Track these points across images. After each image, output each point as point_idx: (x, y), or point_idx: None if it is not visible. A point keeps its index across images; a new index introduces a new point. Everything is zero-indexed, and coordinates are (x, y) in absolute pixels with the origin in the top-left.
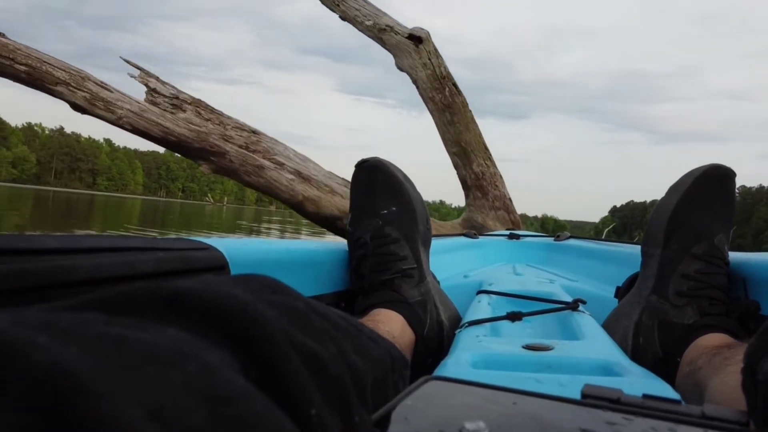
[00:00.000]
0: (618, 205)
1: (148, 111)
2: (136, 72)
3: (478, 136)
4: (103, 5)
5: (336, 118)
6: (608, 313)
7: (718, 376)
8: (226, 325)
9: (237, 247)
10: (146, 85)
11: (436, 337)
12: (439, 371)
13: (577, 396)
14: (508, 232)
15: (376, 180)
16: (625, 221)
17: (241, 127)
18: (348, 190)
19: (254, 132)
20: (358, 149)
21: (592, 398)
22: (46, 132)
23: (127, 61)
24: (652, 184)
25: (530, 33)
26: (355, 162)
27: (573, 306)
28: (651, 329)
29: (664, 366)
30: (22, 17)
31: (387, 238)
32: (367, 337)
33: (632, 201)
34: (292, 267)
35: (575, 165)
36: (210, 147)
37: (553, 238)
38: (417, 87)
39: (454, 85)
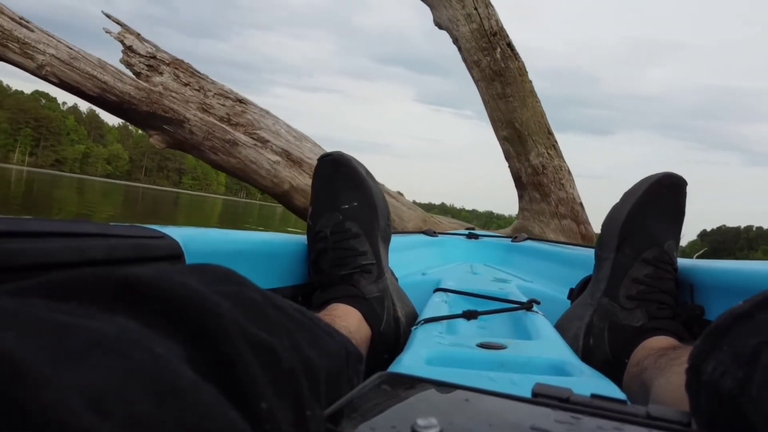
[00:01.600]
0: (708, 229)
1: (80, 60)
2: (116, 29)
3: (539, 115)
4: (197, 14)
5: (414, 128)
6: (561, 313)
7: (663, 376)
8: (177, 316)
9: (193, 236)
10: (122, 42)
11: (392, 334)
12: (394, 367)
13: (529, 395)
14: (467, 232)
15: (338, 174)
16: (716, 246)
17: (225, 94)
18: None
19: (240, 101)
20: (434, 159)
21: (542, 397)
22: (139, 132)
23: (108, 16)
24: (746, 208)
25: (615, 45)
26: (426, 171)
27: (527, 306)
28: (601, 331)
29: (612, 367)
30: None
31: (347, 233)
32: (322, 331)
33: (724, 225)
34: (250, 258)
35: None
36: (163, 112)
37: (510, 239)
38: (459, 49)
39: (509, 45)
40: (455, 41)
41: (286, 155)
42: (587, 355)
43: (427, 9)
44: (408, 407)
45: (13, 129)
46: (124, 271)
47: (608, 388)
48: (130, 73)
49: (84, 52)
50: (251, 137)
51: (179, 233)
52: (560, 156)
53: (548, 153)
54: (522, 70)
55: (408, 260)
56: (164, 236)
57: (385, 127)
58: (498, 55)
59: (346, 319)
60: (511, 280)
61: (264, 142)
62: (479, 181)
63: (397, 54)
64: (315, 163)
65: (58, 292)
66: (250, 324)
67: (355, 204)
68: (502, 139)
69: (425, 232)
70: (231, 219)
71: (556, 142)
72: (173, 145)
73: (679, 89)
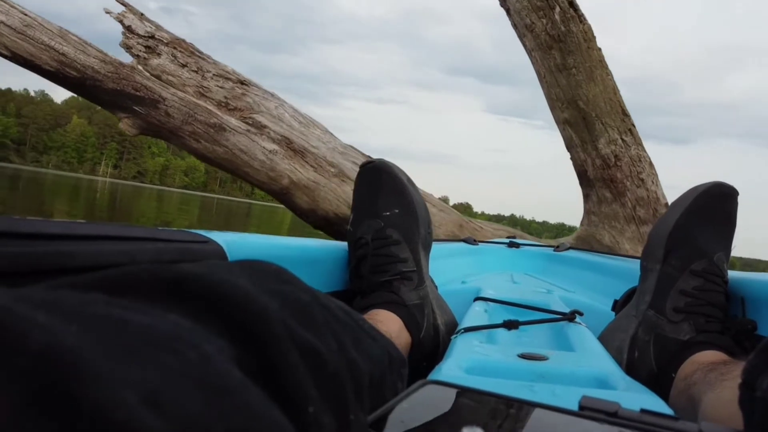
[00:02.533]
0: None
1: (36, 28)
2: (119, 9)
3: (611, 91)
4: (270, 30)
5: (482, 139)
6: (604, 325)
7: (713, 391)
8: (227, 315)
9: (236, 241)
10: (122, 23)
11: (431, 342)
12: (433, 375)
13: (573, 407)
14: (507, 240)
15: (380, 181)
16: None
17: (225, 75)
18: None
19: (242, 82)
20: (503, 169)
21: (589, 410)
22: None
23: None
24: None
25: (695, 52)
26: (495, 182)
27: (570, 317)
28: (647, 344)
29: (658, 381)
30: (201, 43)
31: (388, 239)
32: (366, 334)
33: None
34: (291, 263)
35: (752, 196)
36: (134, 90)
37: (553, 249)
38: (508, 12)
39: (571, 3)
40: (503, 2)
41: (286, 143)
42: (631, 369)
43: (496, 17)
44: (451, 416)
45: (100, 143)
46: (176, 267)
47: (655, 403)
48: (158, 62)
49: (42, 19)
50: (245, 122)
51: (223, 238)
52: (639, 143)
53: (622, 139)
54: (588, 35)
55: (448, 268)
56: (209, 240)
57: (453, 138)
58: (557, 16)
59: (387, 325)
60: (553, 291)
61: (260, 127)
62: (550, 191)
63: (466, 64)
64: (323, 153)
65: (114, 286)
66: (298, 325)
67: (397, 211)
68: (563, 123)
69: (465, 240)
70: (299, 229)
71: (633, 125)
72: (147, 131)
73: (763, 95)
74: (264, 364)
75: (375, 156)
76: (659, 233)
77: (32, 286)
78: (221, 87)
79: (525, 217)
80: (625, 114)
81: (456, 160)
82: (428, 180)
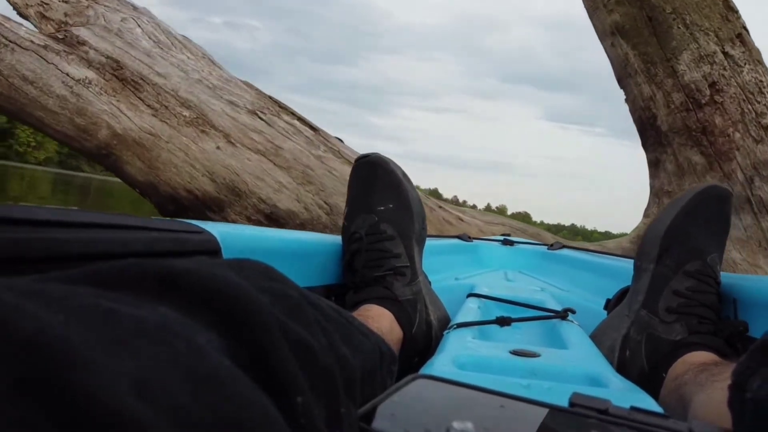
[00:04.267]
0: None
1: None
2: None
3: None
4: (329, 42)
5: (540, 146)
6: (597, 324)
7: (704, 392)
8: (218, 308)
9: (230, 232)
10: None
11: (424, 337)
12: (425, 370)
13: (564, 404)
14: (502, 238)
15: (375, 176)
16: None
17: None
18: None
19: None
20: (562, 177)
21: (580, 407)
22: None
23: None
24: None
25: None
26: (554, 191)
27: (562, 315)
28: (639, 343)
29: (649, 381)
30: (262, 55)
31: (382, 234)
32: (357, 330)
33: None
34: (285, 256)
35: None
36: None
37: (546, 247)
38: None
39: None
40: None
41: (112, 69)
42: (623, 368)
43: (554, 23)
44: (441, 410)
45: None
46: (166, 262)
47: (646, 402)
48: None
49: None
50: (51, 37)
51: (217, 229)
52: (758, 60)
53: (725, 53)
54: None
55: (441, 265)
56: (203, 231)
57: (511, 146)
58: None
59: (379, 321)
60: (546, 288)
61: (73, 44)
62: (613, 200)
63: (523, 72)
64: (172, 86)
65: (103, 280)
66: (289, 320)
67: (391, 206)
68: (611, 33)
69: (459, 237)
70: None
71: (744, 28)
72: None
73: None
74: (254, 356)
75: (340, 133)
76: (654, 233)
77: (19, 277)
78: (65, 1)
79: (586, 226)
80: (729, 8)
81: (513, 169)
82: (486, 189)
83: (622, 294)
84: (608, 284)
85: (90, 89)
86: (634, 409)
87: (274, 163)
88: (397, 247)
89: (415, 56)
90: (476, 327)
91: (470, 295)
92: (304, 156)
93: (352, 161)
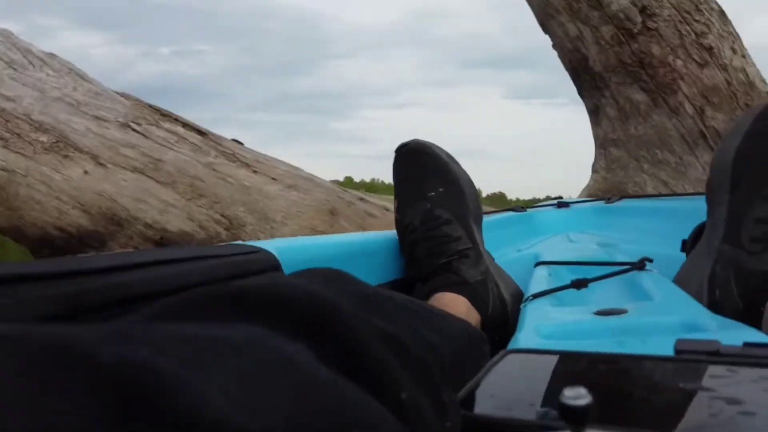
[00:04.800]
0: None
1: None
2: None
3: None
4: (281, 56)
5: (507, 126)
6: (677, 269)
7: None
8: (299, 318)
9: (286, 246)
10: None
11: (500, 316)
12: (511, 347)
13: (669, 354)
14: (555, 201)
15: (419, 162)
16: None
17: None
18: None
19: None
20: (532, 153)
21: (688, 353)
22: None
23: None
24: None
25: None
26: (527, 167)
27: (639, 266)
28: (727, 281)
29: (745, 319)
30: (216, 79)
31: (438, 219)
32: (439, 317)
33: None
34: (345, 260)
35: None
36: None
37: (603, 202)
38: None
39: None
40: None
41: None
42: (714, 309)
43: (501, 6)
44: (541, 382)
45: None
46: (235, 284)
47: (756, 336)
48: None
49: None
50: None
51: (272, 245)
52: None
53: None
54: None
55: (500, 240)
56: (259, 250)
57: (478, 131)
58: None
59: (454, 307)
60: (614, 243)
61: None
62: (585, 166)
63: (479, 55)
64: (23, 109)
65: (175, 314)
66: (371, 317)
67: (441, 190)
68: None
69: (512, 209)
70: None
71: None
72: None
73: None
74: (348, 359)
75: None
76: (723, 160)
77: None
78: None
79: (563, 196)
80: None
81: (484, 152)
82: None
83: (699, 231)
84: (680, 226)
85: None
86: (747, 344)
87: (156, 180)
88: (456, 230)
89: (370, 57)
90: (552, 295)
91: (538, 264)
92: (191, 166)
93: (252, 165)
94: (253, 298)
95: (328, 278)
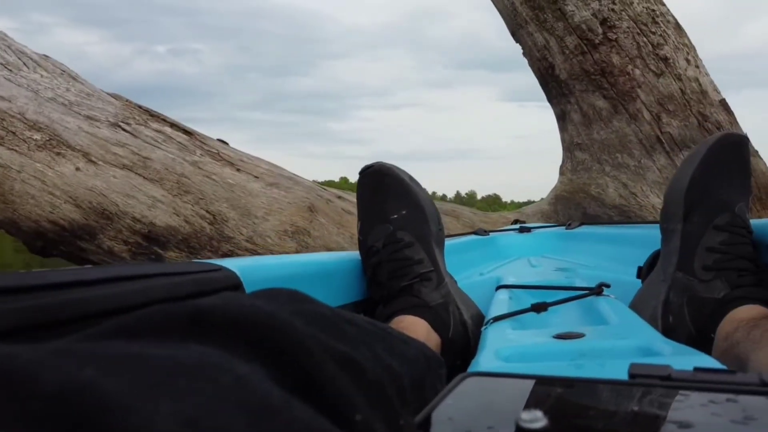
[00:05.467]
0: None
1: None
2: None
3: None
4: (278, 56)
5: (502, 128)
6: (633, 295)
7: (761, 349)
8: (253, 338)
9: (249, 265)
10: None
11: (461, 338)
12: (471, 369)
13: (623, 378)
14: (518, 226)
15: (383, 185)
16: None
17: None
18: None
19: None
20: (527, 155)
21: (641, 377)
22: None
23: None
24: None
25: (709, 7)
26: (521, 168)
27: (597, 291)
28: (680, 307)
29: (697, 344)
30: (212, 77)
31: (400, 242)
32: (398, 340)
33: None
34: (307, 281)
35: None
36: None
37: (564, 227)
38: None
39: None
40: None
41: None
42: (668, 334)
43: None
44: (499, 405)
45: None
46: (191, 302)
47: (706, 361)
48: None
49: None
50: None
51: (235, 264)
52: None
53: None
54: None
55: (463, 263)
56: (221, 268)
57: (473, 132)
58: None
59: (415, 331)
60: (573, 268)
61: None
62: None
63: (474, 56)
64: (18, 108)
65: (129, 331)
66: (328, 339)
67: (404, 212)
68: None
69: (475, 233)
70: None
71: None
72: None
73: None
74: (302, 380)
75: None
76: (675, 191)
77: (43, 344)
78: None
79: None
80: None
81: (479, 154)
82: (453, 178)
83: (654, 259)
84: (636, 253)
85: None
86: (697, 369)
87: (144, 177)
88: (418, 253)
89: (366, 57)
90: (513, 318)
91: (499, 287)
92: (177, 164)
93: (236, 164)
94: (208, 318)
95: (285, 298)
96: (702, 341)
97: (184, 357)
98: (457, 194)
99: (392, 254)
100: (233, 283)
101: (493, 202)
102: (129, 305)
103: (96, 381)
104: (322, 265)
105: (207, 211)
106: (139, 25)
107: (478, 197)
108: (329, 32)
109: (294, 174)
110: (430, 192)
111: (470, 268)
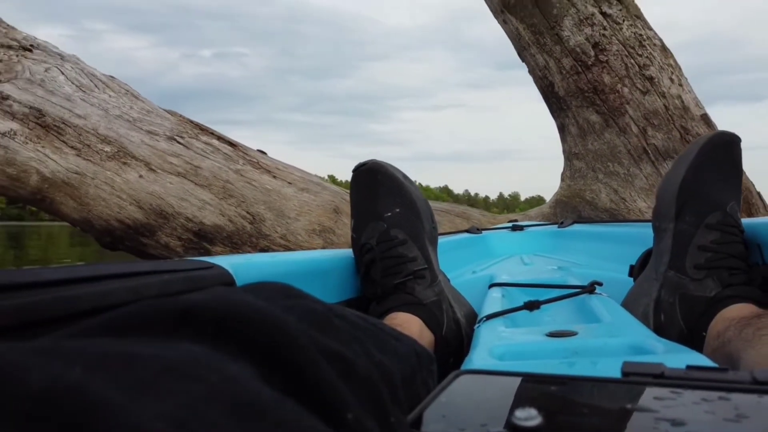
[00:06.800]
0: None
1: None
2: None
3: None
4: (320, 58)
5: (543, 127)
6: (625, 293)
7: (752, 348)
8: (244, 334)
9: (242, 263)
10: None
11: (455, 336)
12: (464, 367)
13: (616, 376)
14: (510, 224)
15: (377, 182)
16: None
17: (8, 43)
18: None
19: (27, 48)
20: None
21: (634, 375)
22: None
23: None
24: None
25: (758, 4)
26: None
27: (589, 289)
28: (672, 305)
29: (689, 342)
30: (256, 80)
31: (394, 240)
32: (389, 336)
33: None
34: (300, 278)
35: None
36: None
37: (557, 226)
38: None
39: None
40: None
41: (35, 117)
42: (660, 332)
43: None
44: (492, 404)
45: None
46: (181, 299)
47: (698, 359)
48: None
49: None
50: None
51: (228, 262)
52: (636, 15)
53: (603, 13)
54: None
55: (456, 261)
56: (214, 266)
57: (516, 132)
58: None
59: (408, 328)
60: (566, 267)
61: None
62: None
63: (515, 57)
64: (91, 125)
65: (118, 328)
66: (320, 335)
67: (398, 210)
68: (500, 12)
69: (468, 231)
70: None
71: None
72: None
73: None
74: (293, 377)
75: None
76: (668, 191)
77: (31, 341)
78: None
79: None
80: None
81: (520, 154)
82: (496, 179)
83: (646, 258)
84: (628, 251)
85: (15, 140)
86: (690, 368)
87: (195, 183)
88: (412, 251)
89: (407, 58)
90: (506, 316)
91: (492, 285)
92: (223, 172)
93: (273, 171)
94: (198, 314)
95: (277, 293)
96: (693, 339)
97: (173, 355)
98: (500, 196)
99: (386, 252)
100: (226, 281)
101: (537, 204)
102: (119, 303)
103: (83, 381)
104: (316, 262)
105: (248, 212)
106: (185, 31)
107: (522, 198)
108: (370, 34)
109: (322, 179)
110: (471, 194)
111: (463, 266)
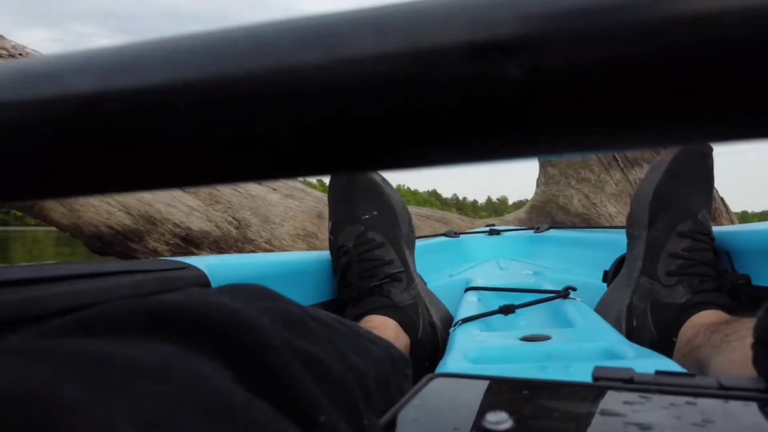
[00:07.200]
0: None
1: None
2: None
3: None
4: None
5: None
6: (598, 298)
7: (720, 354)
8: (217, 336)
9: (217, 264)
10: None
11: (430, 340)
12: (439, 371)
13: (587, 380)
14: (488, 229)
15: (354, 185)
16: None
17: None
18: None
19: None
20: None
21: (604, 380)
22: None
23: None
24: None
25: None
26: None
27: (564, 294)
28: (644, 311)
29: (659, 348)
30: None
31: (371, 243)
32: (364, 339)
33: None
34: (276, 280)
35: None
36: None
37: (533, 231)
38: None
39: None
40: None
41: None
42: (632, 338)
43: None
44: (465, 407)
45: None
46: (154, 299)
47: (668, 365)
48: None
49: None
50: None
51: (203, 262)
52: None
53: None
54: None
55: (432, 264)
56: (189, 266)
57: None
58: None
59: (384, 330)
60: (541, 271)
61: None
62: None
63: None
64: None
65: (88, 328)
66: (294, 337)
67: (375, 213)
68: None
69: (446, 234)
70: None
71: None
72: None
73: None
74: (266, 379)
75: None
76: (641, 199)
77: None
78: None
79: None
80: None
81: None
82: (485, 183)
83: (619, 264)
84: (602, 257)
85: None
86: (659, 373)
87: (182, 190)
88: (389, 254)
89: None
90: (481, 320)
91: (468, 289)
92: None
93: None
94: (171, 314)
95: (252, 295)
96: (664, 345)
97: (144, 356)
98: (488, 200)
99: (363, 254)
100: (201, 282)
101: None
102: (89, 303)
103: (51, 382)
104: (292, 264)
105: (234, 218)
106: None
107: (510, 202)
108: None
109: (306, 185)
110: (460, 197)
111: (440, 269)
